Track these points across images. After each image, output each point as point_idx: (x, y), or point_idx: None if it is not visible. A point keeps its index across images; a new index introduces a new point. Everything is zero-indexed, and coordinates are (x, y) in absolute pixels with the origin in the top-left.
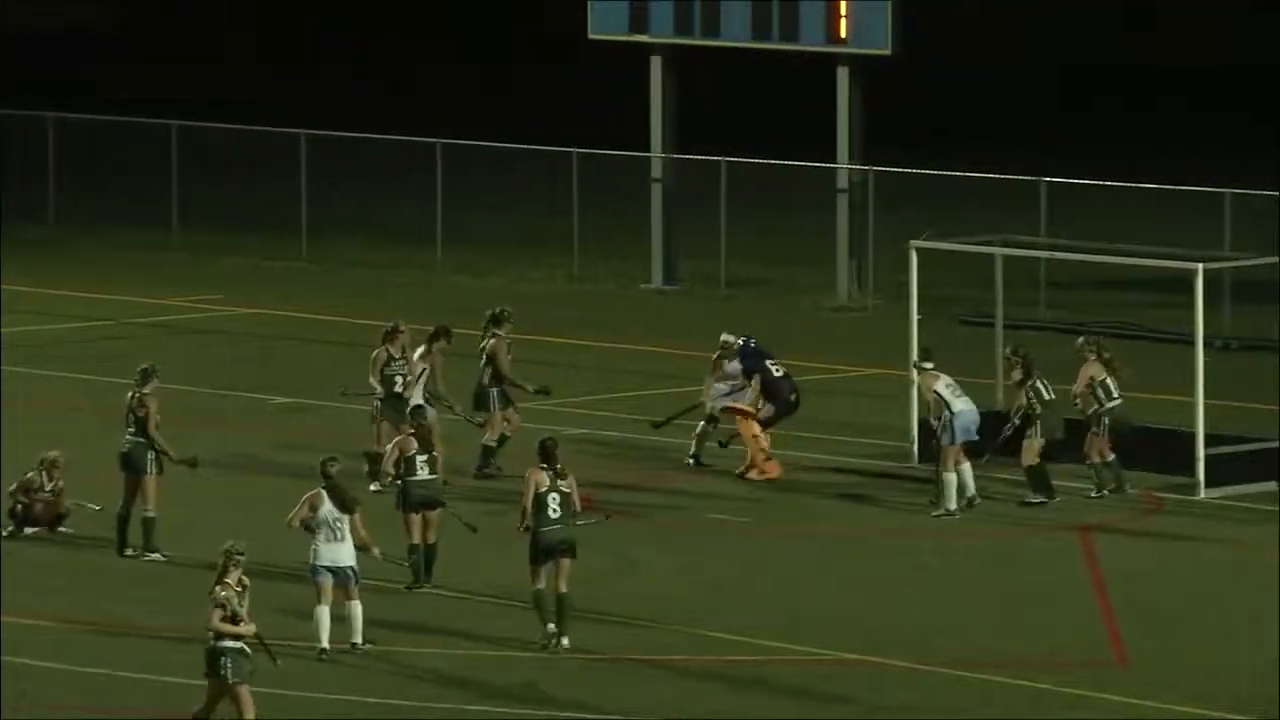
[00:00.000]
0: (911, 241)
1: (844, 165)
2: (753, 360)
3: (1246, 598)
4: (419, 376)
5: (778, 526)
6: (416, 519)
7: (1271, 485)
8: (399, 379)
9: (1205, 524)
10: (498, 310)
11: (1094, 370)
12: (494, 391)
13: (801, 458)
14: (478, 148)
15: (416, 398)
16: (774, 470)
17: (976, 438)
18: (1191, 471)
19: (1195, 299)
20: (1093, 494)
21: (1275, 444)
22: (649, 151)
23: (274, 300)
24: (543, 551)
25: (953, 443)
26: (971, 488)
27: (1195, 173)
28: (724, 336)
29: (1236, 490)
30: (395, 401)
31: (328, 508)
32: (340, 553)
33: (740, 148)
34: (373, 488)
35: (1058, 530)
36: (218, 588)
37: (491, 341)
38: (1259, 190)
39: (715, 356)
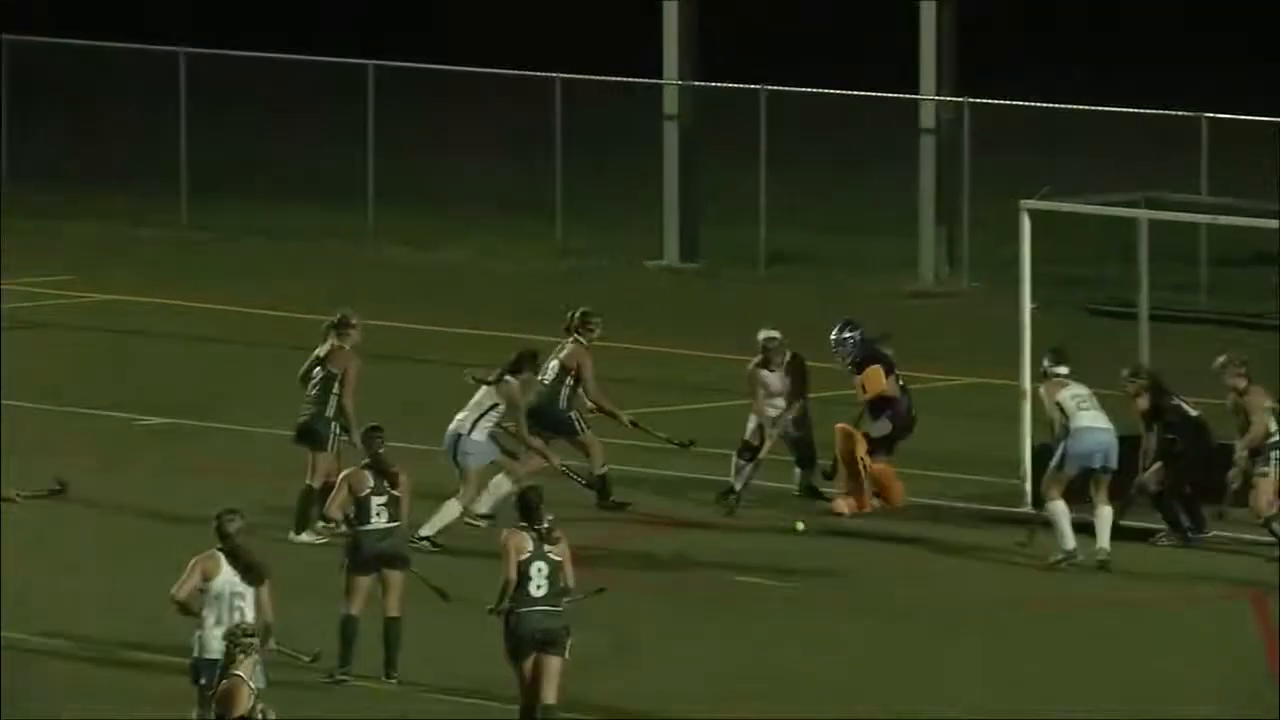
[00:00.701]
0: (1023, 201)
1: (930, 96)
2: (869, 359)
3: None
4: (484, 411)
5: (833, 594)
6: (365, 582)
7: None
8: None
9: None
10: (579, 311)
11: (1261, 399)
12: (573, 415)
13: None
14: (422, 72)
15: (477, 433)
16: (898, 495)
17: (1100, 466)
18: None
19: None
20: None
21: None
22: (661, 78)
23: (141, 283)
24: (524, 643)
25: (1062, 469)
26: (1106, 541)
27: None
28: (764, 333)
29: None
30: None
31: (225, 577)
32: None
33: (784, 74)
34: (303, 538)
35: (1219, 595)
36: (229, 683)
37: (571, 349)
38: None
39: (751, 366)
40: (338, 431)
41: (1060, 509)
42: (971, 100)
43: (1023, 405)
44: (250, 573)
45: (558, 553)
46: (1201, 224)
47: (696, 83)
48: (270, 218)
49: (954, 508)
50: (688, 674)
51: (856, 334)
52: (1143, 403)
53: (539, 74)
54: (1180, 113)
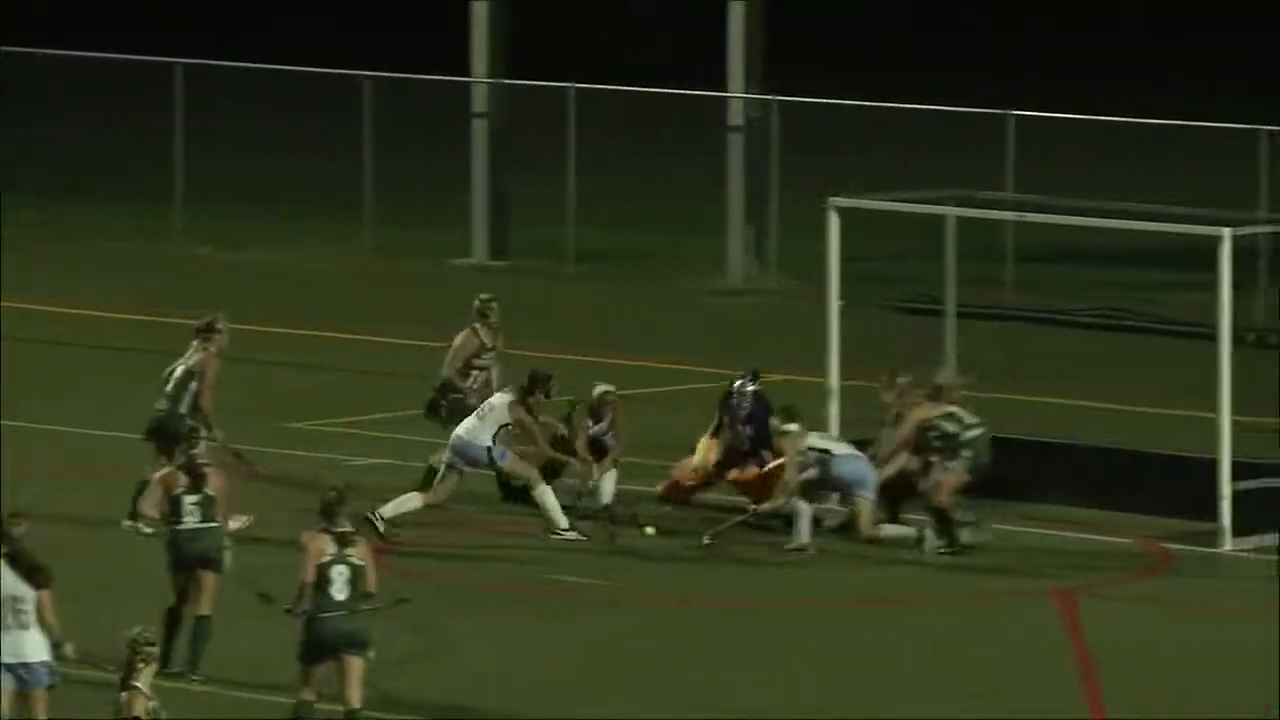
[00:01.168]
0: (831, 199)
1: (738, 94)
2: (763, 423)
3: None
4: (500, 426)
5: (647, 593)
6: (182, 580)
7: None
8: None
9: (1231, 585)
10: (480, 300)
11: (924, 411)
12: (444, 403)
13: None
14: (231, 70)
15: (498, 443)
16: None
17: (863, 494)
18: (1214, 514)
19: (1220, 275)
20: (942, 549)
21: None
22: (469, 76)
23: None
24: (322, 647)
25: (819, 487)
26: (921, 530)
27: (1216, 107)
28: (601, 388)
29: (1275, 540)
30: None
31: (6, 582)
32: (24, 644)
33: (596, 72)
34: (130, 526)
35: (1026, 592)
36: (128, 695)
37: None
38: None
39: (572, 411)
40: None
41: (802, 510)
42: (779, 98)
43: (830, 403)
44: (32, 577)
45: (359, 556)
46: (1008, 221)
47: (505, 81)
48: (79, 217)
49: (759, 508)
50: (502, 672)
51: (758, 387)
52: (906, 403)
53: (348, 72)
54: (987, 110)
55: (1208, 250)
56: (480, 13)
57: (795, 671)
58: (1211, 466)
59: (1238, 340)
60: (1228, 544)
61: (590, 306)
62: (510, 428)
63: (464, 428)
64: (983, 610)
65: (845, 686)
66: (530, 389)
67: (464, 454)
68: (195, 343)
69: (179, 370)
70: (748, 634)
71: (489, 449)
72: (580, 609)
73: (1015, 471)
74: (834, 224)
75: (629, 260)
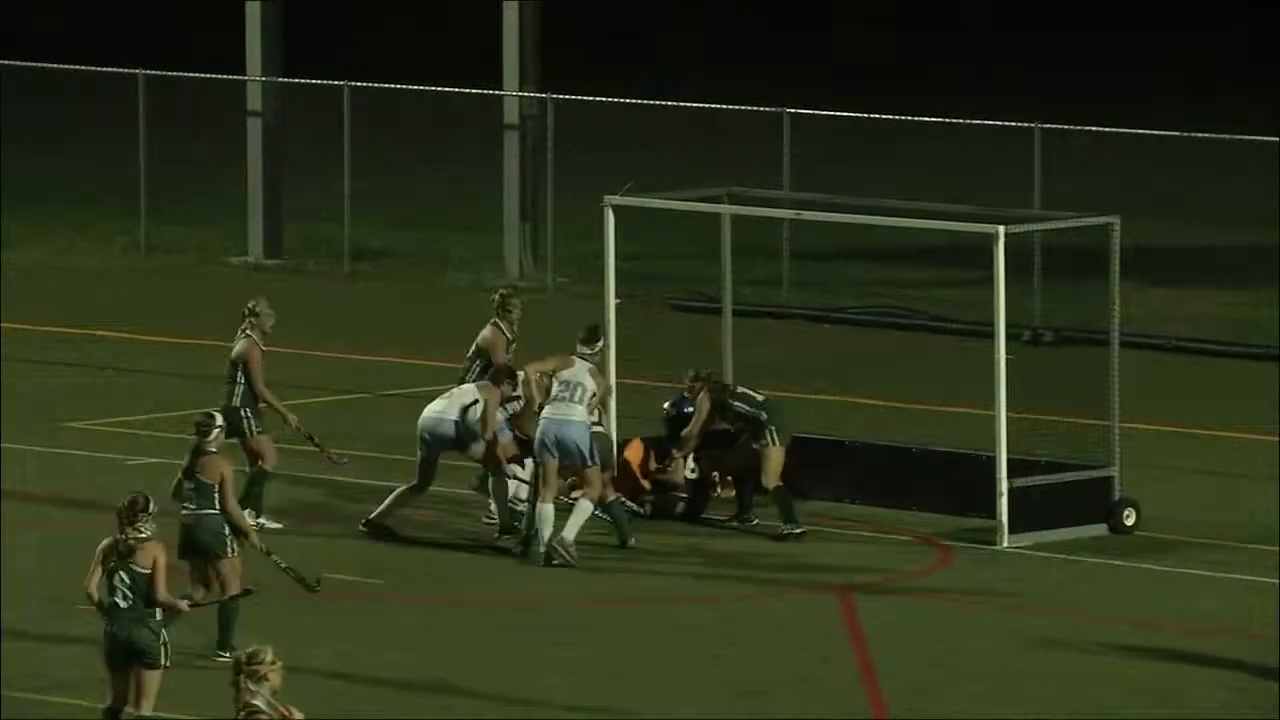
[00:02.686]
0: (607, 197)
1: (513, 93)
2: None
3: (1063, 685)
4: (468, 405)
5: (420, 593)
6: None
7: (1099, 529)
8: None
9: (1007, 581)
10: (499, 292)
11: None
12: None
13: (456, 493)
14: (2, 68)
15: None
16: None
17: (554, 453)
18: (991, 511)
19: (996, 272)
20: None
21: (1104, 472)
22: (244, 75)
23: None
24: (112, 654)
25: (540, 455)
26: (568, 531)
27: (992, 104)
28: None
29: (1051, 536)
30: None
31: None
32: None
33: (370, 70)
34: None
35: (806, 590)
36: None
37: (487, 333)
38: (1079, 126)
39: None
40: (248, 415)
41: (542, 512)
42: (554, 96)
43: (609, 400)
44: None
45: (144, 563)
46: (785, 218)
47: (279, 79)
48: None
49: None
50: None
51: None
52: (704, 401)
53: (122, 70)
54: (763, 108)
55: (983, 248)
56: (254, 11)
57: (566, 668)
58: (988, 463)
59: (1013, 337)
60: (1005, 541)
61: (365, 305)
62: (475, 407)
63: (435, 410)
64: (762, 608)
65: (618, 683)
66: (497, 379)
67: (434, 432)
68: (241, 329)
69: (227, 364)
70: (519, 631)
71: (455, 429)
72: (351, 606)
73: (793, 469)
74: (610, 221)
75: (404, 258)
